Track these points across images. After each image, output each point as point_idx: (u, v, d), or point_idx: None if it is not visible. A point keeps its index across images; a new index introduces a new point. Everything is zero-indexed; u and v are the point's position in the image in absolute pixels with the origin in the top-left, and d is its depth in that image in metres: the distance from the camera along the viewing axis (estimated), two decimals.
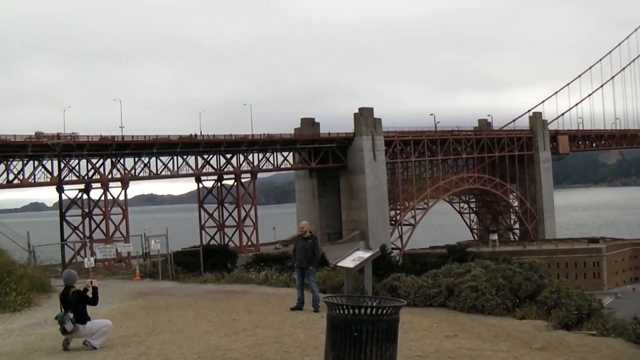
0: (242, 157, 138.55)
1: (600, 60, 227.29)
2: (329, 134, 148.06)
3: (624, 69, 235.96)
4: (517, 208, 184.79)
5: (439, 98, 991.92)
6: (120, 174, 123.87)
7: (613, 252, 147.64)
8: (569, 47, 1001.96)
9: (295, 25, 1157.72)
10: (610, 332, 14.94)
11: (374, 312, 10.06)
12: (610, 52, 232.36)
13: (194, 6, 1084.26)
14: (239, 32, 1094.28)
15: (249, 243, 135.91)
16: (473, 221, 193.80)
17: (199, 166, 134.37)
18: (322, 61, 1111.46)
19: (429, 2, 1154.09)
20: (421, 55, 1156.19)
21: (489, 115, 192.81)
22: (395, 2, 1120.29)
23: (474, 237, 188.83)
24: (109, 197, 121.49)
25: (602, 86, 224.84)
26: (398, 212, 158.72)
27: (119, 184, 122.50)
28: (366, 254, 17.29)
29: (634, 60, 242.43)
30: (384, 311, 10.12)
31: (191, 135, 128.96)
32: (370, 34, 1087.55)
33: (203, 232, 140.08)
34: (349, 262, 17.32)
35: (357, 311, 10.05)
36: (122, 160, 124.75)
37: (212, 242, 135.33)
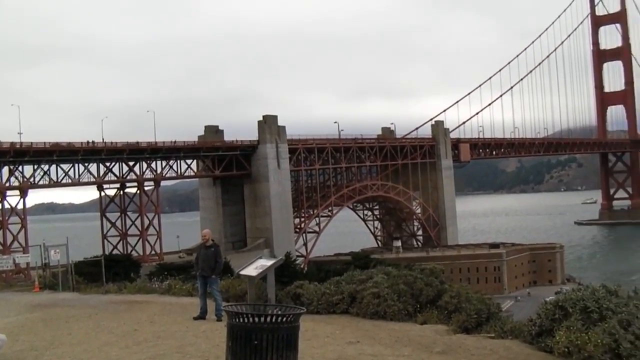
0: (145, 165, 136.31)
1: (500, 70, 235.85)
2: (233, 141, 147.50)
3: (522, 79, 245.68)
4: (420, 215, 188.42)
5: (349, 105, 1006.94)
6: (19, 181, 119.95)
7: (513, 256, 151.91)
8: (475, 56, 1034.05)
9: (205, 28, 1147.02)
10: (508, 334, 15.45)
11: (274, 320, 10.05)
12: (509, 63, 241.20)
13: (101, 4, 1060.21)
14: (147, 32, 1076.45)
15: (153, 252, 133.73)
16: (377, 228, 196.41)
17: (101, 174, 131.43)
18: (232, 66, 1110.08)
19: (342, 9, 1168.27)
20: (332, 62, 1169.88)
21: (392, 124, 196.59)
22: (308, 9, 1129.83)
23: (378, 243, 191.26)
24: (7, 206, 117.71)
25: (501, 96, 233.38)
26: (302, 219, 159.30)
27: (17, 192, 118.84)
28: (269, 262, 17.39)
29: (531, 71, 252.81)
30: (284, 319, 10.13)
31: (88, 142, 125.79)
32: (281, 40, 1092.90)
33: (105, 241, 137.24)
34: (252, 270, 17.37)
35: (257, 319, 10.03)
36: (20, 168, 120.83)
37: (115, 251, 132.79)
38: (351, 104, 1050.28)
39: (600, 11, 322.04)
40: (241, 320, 10.11)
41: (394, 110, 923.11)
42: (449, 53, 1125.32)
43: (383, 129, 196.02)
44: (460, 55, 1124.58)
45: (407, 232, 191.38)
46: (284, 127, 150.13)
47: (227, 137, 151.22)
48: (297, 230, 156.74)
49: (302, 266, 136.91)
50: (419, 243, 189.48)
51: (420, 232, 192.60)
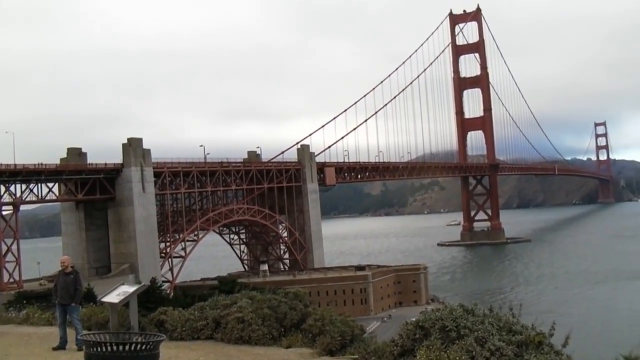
0: (3, 188, 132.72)
1: (365, 96, 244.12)
2: (96, 164, 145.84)
3: (386, 105, 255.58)
4: (286, 238, 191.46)
5: (221, 127, 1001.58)
6: None
7: (378, 278, 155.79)
8: (346, 80, 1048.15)
9: (75, 43, 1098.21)
10: (371, 355, 15.74)
11: (133, 348, 10.20)
12: (373, 88, 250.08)
13: None
14: (10, 46, 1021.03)
15: (11, 280, 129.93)
16: (243, 252, 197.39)
17: None
18: (102, 84, 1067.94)
19: (217, 32, 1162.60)
20: (205, 82, 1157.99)
21: (258, 147, 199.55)
22: (184, 31, 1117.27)
23: (244, 267, 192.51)
24: None
25: (366, 120, 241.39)
26: (168, 244, 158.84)
27: None
28: (132, 288, 17.20)
29: (395, 96, 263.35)
30: (144, 347, 10.28)
31: None
32: (155, 61, 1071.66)
33: None
34: (114, 297, 17.02)
35: (115, 348, 10.11)
36: None
37: None
38: (223, 127, 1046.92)
39: (460, 41, 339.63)
40: (99, 349, 10.11)
41: (266, 133, 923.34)
42: (321, 77, 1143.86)
43: (249, 152, 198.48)
44: (331, 79, 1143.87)
45: (274, 255, 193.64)
46: (149, 150, 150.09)
47: (93, 159, 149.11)
48: (163, 255, 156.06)
49: (168, 292, 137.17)
50: (286, 266, 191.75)
51: (286, 256, 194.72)
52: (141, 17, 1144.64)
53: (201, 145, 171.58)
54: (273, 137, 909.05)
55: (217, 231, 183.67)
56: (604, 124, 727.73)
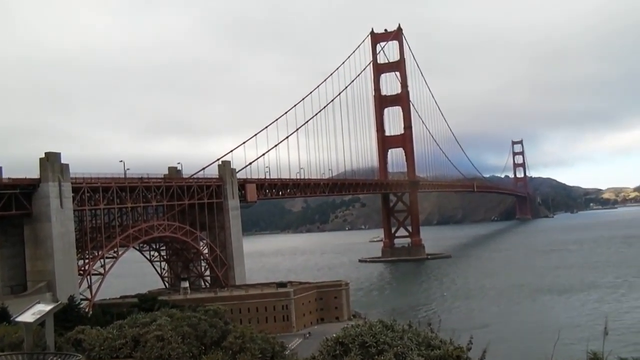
0: None
1: (286, 113, 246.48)
2: (11, 179, 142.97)
3: (307, 122, 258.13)
4: (207, 255, 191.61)
5: (144, 143, 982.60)
6: None
7: (300, 295, 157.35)
8: (274, 96, 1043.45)
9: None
10: None
11: None
12: (294, 105, 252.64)
13: None
14: None
15: None
16: (164, 269, 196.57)
17: None
18: (18, 98, 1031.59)
19: (145, 45, 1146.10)
20: (130, 98, 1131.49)
21: (178, 163, 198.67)
22: (111, 44, 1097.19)
23: (165, 285, 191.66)
24: None
25: (287, 137, 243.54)
26: (87, 261, 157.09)
27: None
28: (48, 307, 16.66)
29: (316, 113, 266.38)
30: None
31: None
32: (79, 74, 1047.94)
33: None
34: (29, 316, 16.38)
35: None
36: None
37: None
38: (147, 142, 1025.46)
39: (382, 59, 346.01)
40: None
41: (191, 149, 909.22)
42: (249, 92, 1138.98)
43: (170, 168, 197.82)
44: (259, 94, 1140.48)
45: (195, 272, 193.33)
46: (67, 165, 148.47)
47: (9, 173, 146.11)
48: (81, 272, 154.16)
49: (86, 310, 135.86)
50: (207, 283, 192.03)
51: (208, 272, 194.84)
52: (66, 29, 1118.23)
53: (121, 161, 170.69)
54: (198, 152, 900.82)
55: (137, 248, 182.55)
56: (521, 142, 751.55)
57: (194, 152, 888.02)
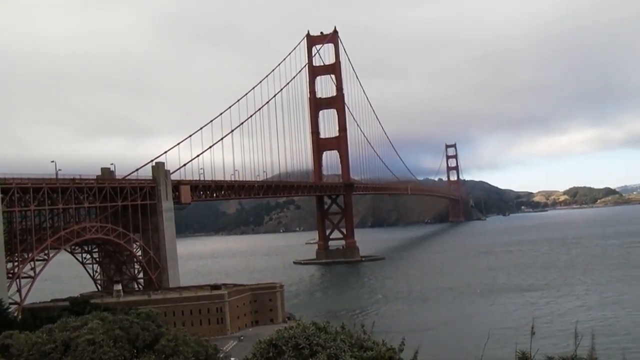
0: None
1: (221, 114, 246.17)
2: None
3: (242, 123, 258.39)
4: (141, 257, 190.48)
5: (84, 143, 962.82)
6: None
7: (234, 297, 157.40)
8: (216, 97, 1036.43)
9: None
10: None
11: None
12: (230, 107, 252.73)
13: None
14: None
15: None
16: (97, 272, 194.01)
17: None
18: None
19: (86, 43, 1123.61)
20: (71, 97, 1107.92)
21: (112, 164, 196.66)
22: (45, 40, 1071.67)
23: (97, 288, 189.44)
24: None
25: (222, 139, 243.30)
26: (16, 264, 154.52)
27: None
28: None
29: (251, 115, 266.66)
30: None
31: None
32: (15, 73, 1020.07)
33: None
34: None
35: None
36: None
37: None
38: (86, 142, 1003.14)
39: (317, 62, 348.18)
40: None
41: (128, 149, 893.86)
42: (192, 92, 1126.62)
43: (103, 169, 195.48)
44: (202, 94, 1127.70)
45: (128, 275, 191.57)
46: None
47: None
48: (10, 275, 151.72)
49: (15, 314, 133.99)
50: (140, 286, 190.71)
51: (141, 275, 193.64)
52: (4, 26, 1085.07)
53: (52, 161, 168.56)
54: (138, 153, 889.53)
55: (69, 250, 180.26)
56: (454, 145, 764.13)
57: (134, 152, 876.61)
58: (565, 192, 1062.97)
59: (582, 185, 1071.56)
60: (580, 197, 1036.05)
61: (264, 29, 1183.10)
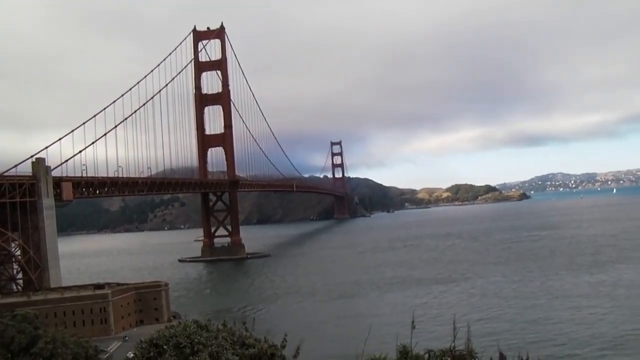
0: None
1: (105, 109, 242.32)
2: None
3: (126, 119, 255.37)
4: (19, 257, 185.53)
5: None
6: None
7: (118, 296, 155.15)
8: (110, 89, 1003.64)
9: None
10: None
11: None
12: (114, 101, 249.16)
13: None
14: None
15: None
16: None
17: None
18: None
19: None
20: None
21: None
22: None
23: None
24: None
25: (105, 134, 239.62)
26: None
27: None
28: None
29: (136, 110, 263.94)
30: None
31: None
32: None
33: None
34: None
35: None
36: None
37: None
38: None
39: (203, 57, 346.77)
40: None
41: (17, 144, 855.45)
42: (86, 85, 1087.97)
43: None
44: (96, 88, 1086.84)
45: (6, 275, 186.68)
46: None
47: None
48: None
49: None
50: (20, 287, 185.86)
51: (20, 275, 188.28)
52: None
53: None
54: (21, 148, 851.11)
55: None
56: (339, 143, 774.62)
57: (20, 147, 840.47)
58: (447, 190, 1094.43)
59: (464, 182, 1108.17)
60: (462, 194, 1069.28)
61: (165, 18, 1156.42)
